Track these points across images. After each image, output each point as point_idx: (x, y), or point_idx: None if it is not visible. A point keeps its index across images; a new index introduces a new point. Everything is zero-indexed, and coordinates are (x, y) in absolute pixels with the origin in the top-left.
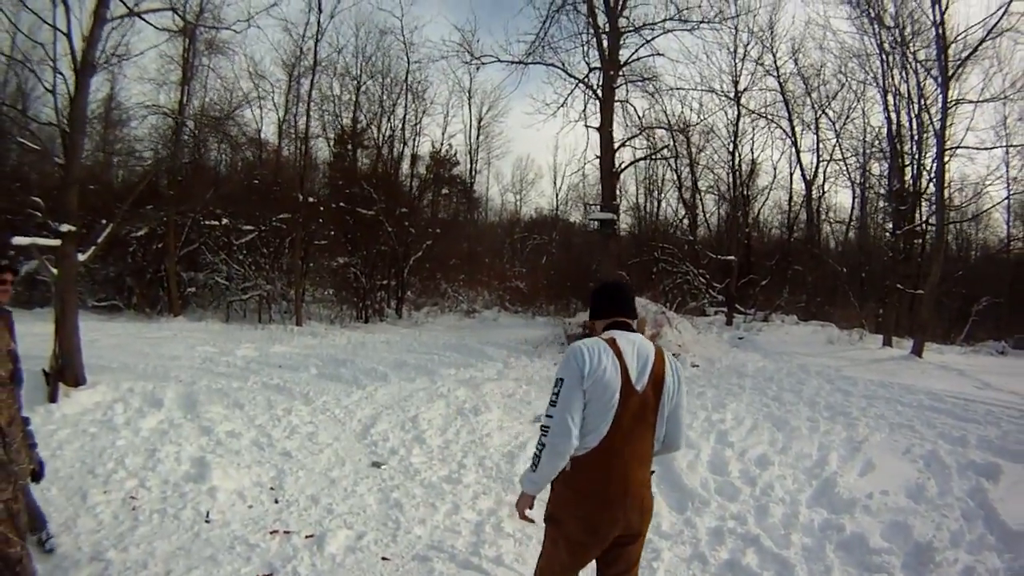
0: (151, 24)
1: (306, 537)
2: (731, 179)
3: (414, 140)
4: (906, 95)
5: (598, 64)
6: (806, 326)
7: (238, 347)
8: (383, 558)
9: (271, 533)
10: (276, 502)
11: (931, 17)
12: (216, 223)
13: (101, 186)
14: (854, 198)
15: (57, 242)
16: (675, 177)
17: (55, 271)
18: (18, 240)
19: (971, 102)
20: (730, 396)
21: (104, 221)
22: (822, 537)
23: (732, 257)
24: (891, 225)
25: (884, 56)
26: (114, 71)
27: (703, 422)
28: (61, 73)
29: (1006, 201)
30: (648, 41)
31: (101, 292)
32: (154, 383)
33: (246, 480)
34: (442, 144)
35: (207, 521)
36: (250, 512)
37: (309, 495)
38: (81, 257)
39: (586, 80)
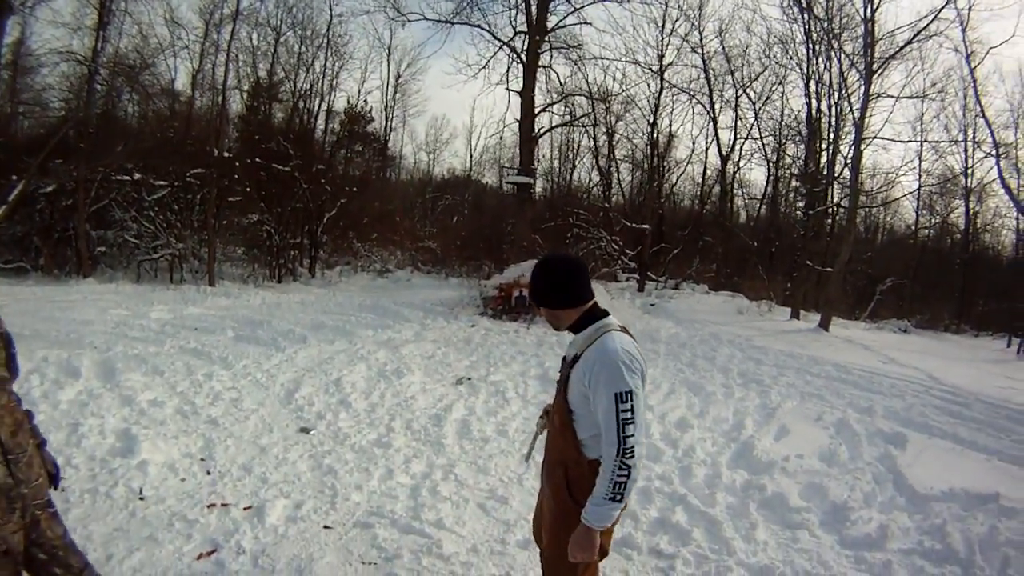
0: None
1: (244, 509)
2: (648, 150)
3: (331, 95)
4: (828, 84)
5: (524, 29)
6: (716, 296)
7: (151, 309)
8: (325, 527)
9: (208, 507)
10: (208, 473)
11: (861, 13)
12: (127, 178)
13: (5, 138)
14: (768, 176)
15: None
16: (592, 144)
17: None
18: None
19: (892, 97)
20: (646, 361)
21: (14, 178)
22: (744, 496)
23: (646, 226)
24: (803, 204)
25: (811, 44)
26: (27, 14)
27: None
28: None
29: (916, 191)
30: (577, 9)
31: (7, 254)
32: (68, 351)
33: (175, 452)
34: (358, 100)
35: (141, 498)
36: (183, 486)
37: (241, 464)
38: None
39: (511, 44)
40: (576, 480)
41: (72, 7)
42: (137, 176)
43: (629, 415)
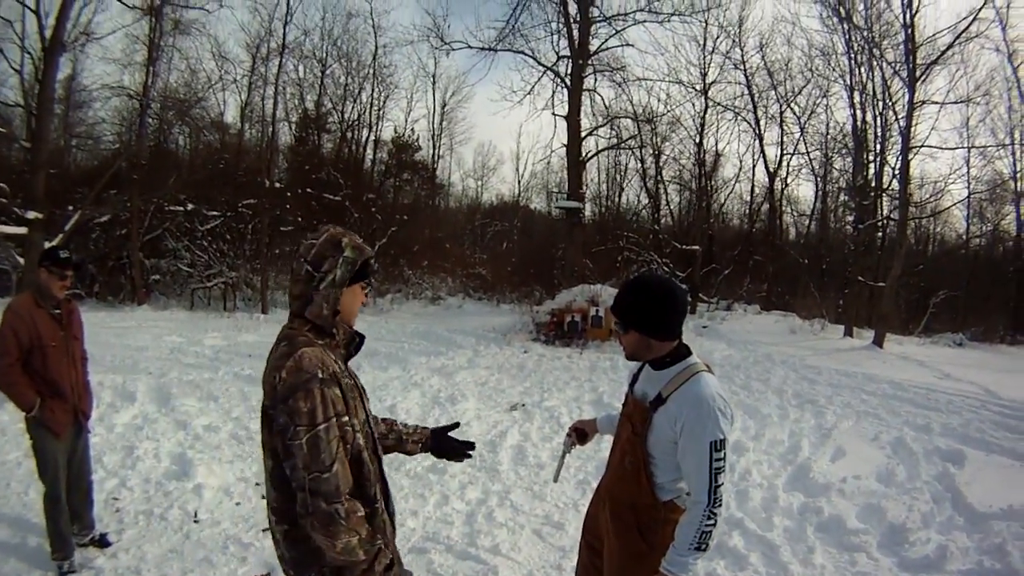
0: (122, 1)
1: None
2: (696, 170)
3: (378, 125)
4: (872, 93)
5: (567, 53)
6: (768, 316)
7: (205, 336)
8: None
9: (263, 531)
10: (263, 498)
11: (901, 20)
12: (180, 208)
13: (60, 170)
14: (816, 191)
15: (23, 230)
16: (639, 166)
17: (21, 260)
18: None
19: (936, 103)
20: None
21: (70, 208)
22: (801, 519)
23: (696, 247)
24: (852, 218)
25: (852, 55)
26: (79, 51)
27: None
28: (29, 52)
29: (966, 199)
30: (618, 32)
31: None
32: (124, 376)
33: (230, 476)
34: (405, 129)
35: (196, 521)
36: (239, 509)
37: None
38: (49, 245)
39: (555, 68)
40: (649, 524)
41: (122, 44)
42: (190, 206)
43: (722, 463)
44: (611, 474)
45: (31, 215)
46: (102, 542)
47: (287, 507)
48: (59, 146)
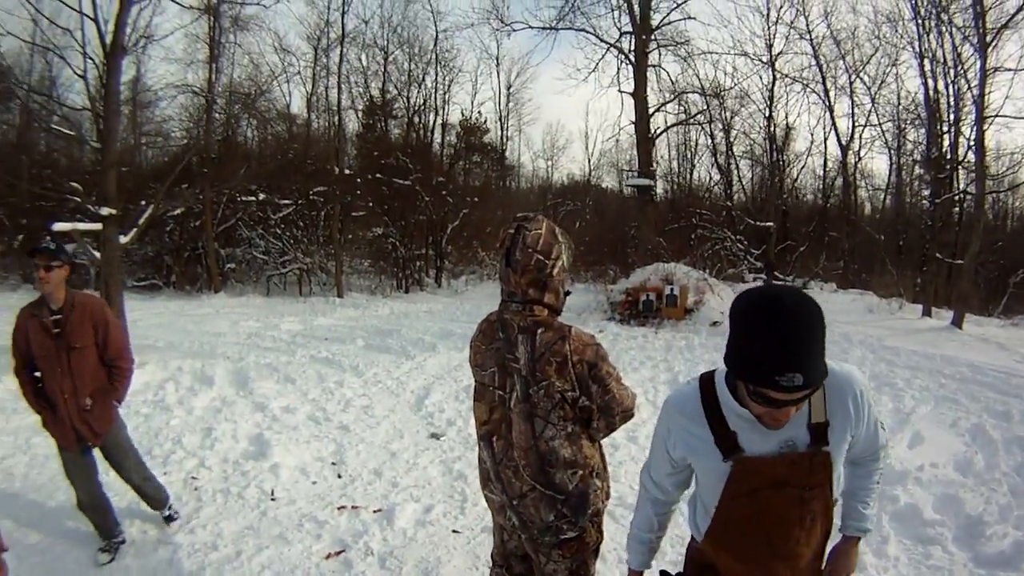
0: (178, 3)
1: (374, 512)
2: (767, 144)
3: (444, 109)
4: (942, 61)
5: (629, 28)
6: (845, 294)
7: (282, 321)
8: (453, 531)
9: (338, 509)
10: (339, 477)
11: None
12: (252, 199)
13: (131, 168)
14: (891, 164)
15: (98, 226)
16: (709, 142)
17: (97, 254)
18: (59, 226)
19: (1010, 70)
20: None
21: (143, 203)
22: (878, 508)
23: (770, 223)
24: (928, 192)
25: (919, 20)
26: (140, 53)
27: None
28: (91, 58)
29: None
30: (679, 4)
31: (140, 272)
32: (202, 360)
33: (307, 456)
34: (472, 112)
35: (272, 499)
36: (314, 488)
37: (372, 469)
38: (123, 239)
39: (617, 44)
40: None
41: (183, 44)
42: (262, 196)
43: (878, 410)
44: (791, 562)
45: (104, 211)
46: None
47: (575, 456)
48: (129, 145)
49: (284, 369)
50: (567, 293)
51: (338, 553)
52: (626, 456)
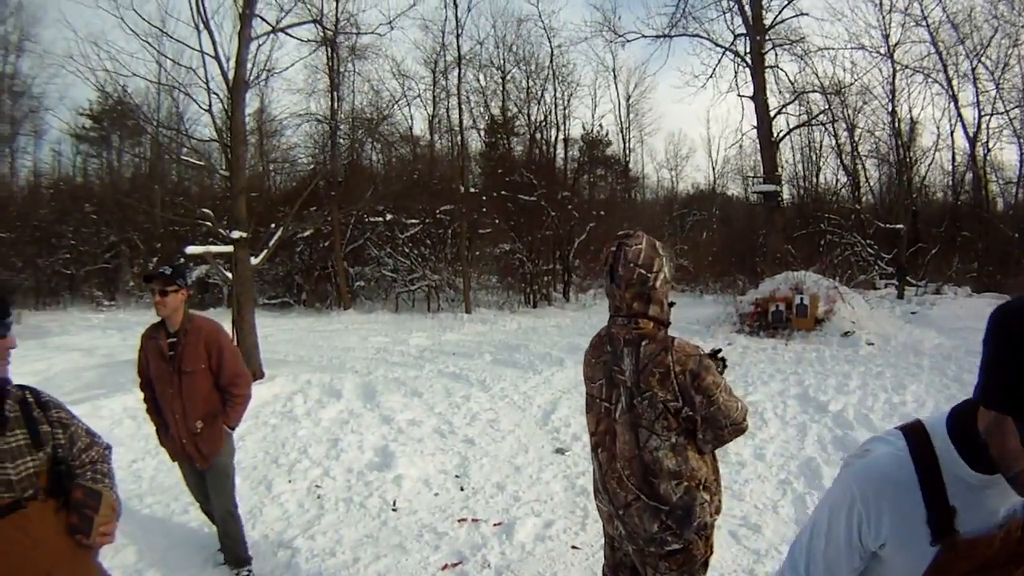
0: (295, 37)
1: (494, 525)
2: (892, 141)
3: (565, 124)
4: None
5: (743, 30)
6: (980, 298)
7: (410, 336)
8: (572, 547)
9: (459, 521)
10: (462, 489)
11: None
12: (379, 219)
13: (261, 194)
14: (1020, 154)
15: (229, 248)
16: (834, 143)
17: (228, 274)
18: (192, 249)
19: None
20: (909, 376)
21: (272, 226)
22: None
23: (900, 225)
24: None
25: None
26: (262, 86)
27: (884, 404)
28: (215, 93)
29: None
30: (791, 1)
31: (271, 291)
32: (331, 375)
33: (430, 468)
34: (593, 125)
35: (394, 509)
36: (436, 500)
37: (494, 482)
38: (254, 260)
39: (733, 47)
40: None
41: (304, 75)
42: (389, 217)
43: None
44: None
45: (235, 235)
46: None
47: (680, 467)
48: (258, 172)
49: (411, 383)
50: (671, 304)
51: (455, 565)
52: (752, 474)
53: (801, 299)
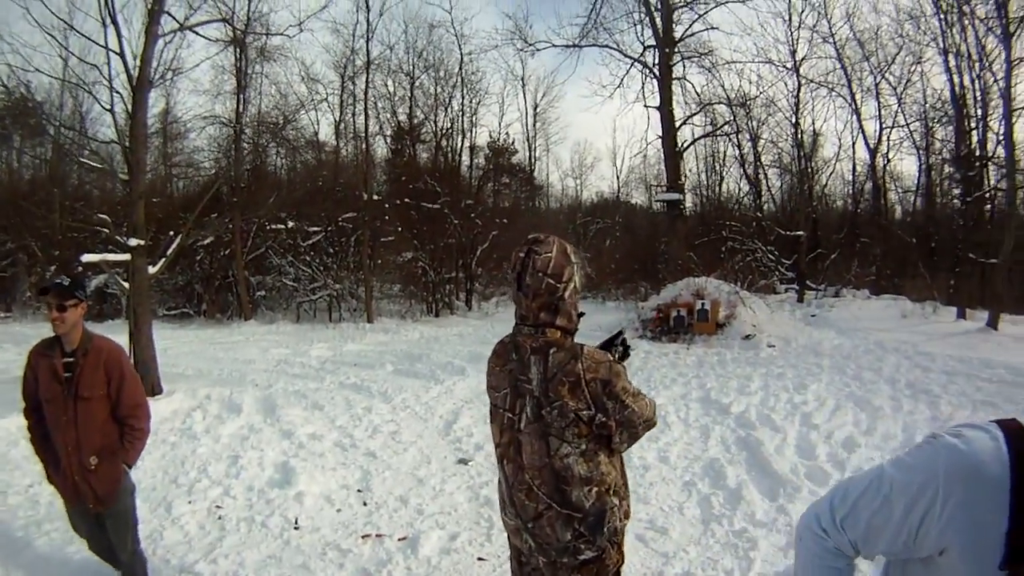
0: (203, 36)
1: (399, 540)
2: (795, 152)
3: (471, 131)
4: (967, 55)
5: (653, 42)
6: (878, 300)
7: (311, 347)
8: (479, 559)
9: (363, 537)
10: (365, 504)
11: None
12: (281, 227)
13: (162, 199)
14: (920, 165)
15: (127, 256)
16: (737, 153)
17: (126, 284)
18: (88, 257)
19: None
20: (810, 376)
21: (172, 233)
22: None
23: (800, 232)
24: (959, 192)
25: (942, 15)
26: (168, 86)
27: (785, 404)
28: (118, 92)
29: None
30: (701, 15)
31: (171, 301)
32: (231, 388)
33: (332, 483)
34: (499, 133)
35: (296, 528)
36: (339, 516)
37: (398, 496)
38: (152, 269)
39: (642, 59)
40: None
41: (210, 76)
42: (291, 224)
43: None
44: None
45: (133, 242)
46: None
47: (591, 473)
48: (160, 176)
49: (312, 396)
50: (580, 314)
51: None
52: (657, 477)
53: (702, 304)
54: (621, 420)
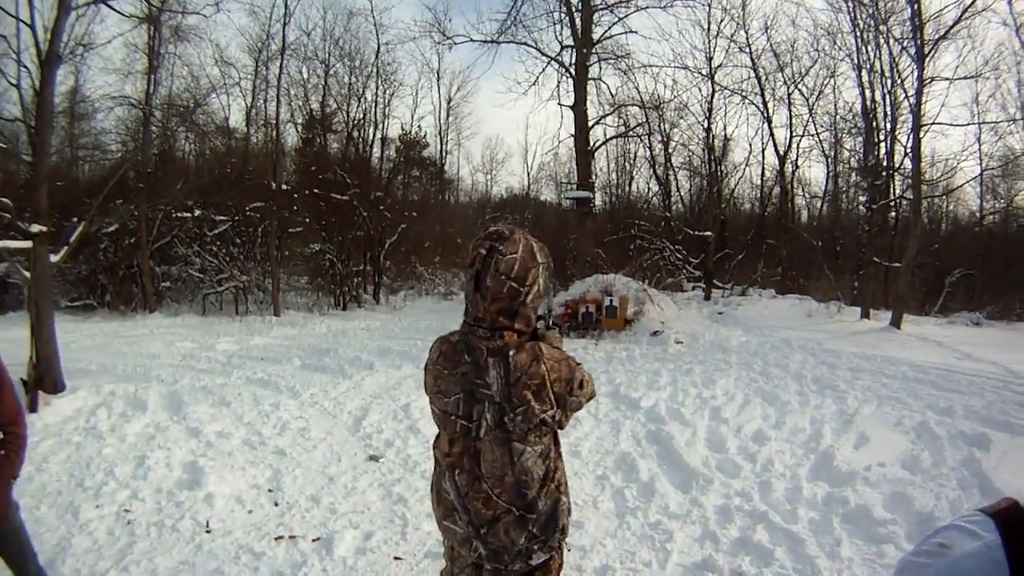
0: (117, 11)
1: (313, 541)
2: (705, 155)
3: (384, 123)
4: (880, 71)
5: (571, 42)
6: (784, 300)
7: (217, 341)
8: (395, 558)
9: (276, 539)
10: (276, 505)
11: None
12: (188, 215)
13: (67, 183)
14: (827, 172)
15: (28, 244)
16: (648, 154)
17: (27, 274)
18: None
19: (946, 79)
20: (718, 372)
21: (75, 219)
22: (827, 511)
23: (708, 233)
24: (865, 199)
25: (858, 33)
26: (78, 62)
27: (695, 399)
28: (25, 66)
29: (979, 176)
30: (621, 19)
31: (74, 292)
32: (136, 384)
33: (242, 483)
34: (412, 126)
35: (207, 531)
36: (251, 518)
37: (309, 495)
38: (54, 258)
39: (559, 58)
40: None
41: (122, 54)
42: (198, 212)
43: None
44: None
45: (35, 229)
46: None
47: (547, 471)
48: (66, 158)
49: (219, 391)
50: (539, 318)
51: None
52: (569, 472)
53: (611, 301)
54: (575, 407)
